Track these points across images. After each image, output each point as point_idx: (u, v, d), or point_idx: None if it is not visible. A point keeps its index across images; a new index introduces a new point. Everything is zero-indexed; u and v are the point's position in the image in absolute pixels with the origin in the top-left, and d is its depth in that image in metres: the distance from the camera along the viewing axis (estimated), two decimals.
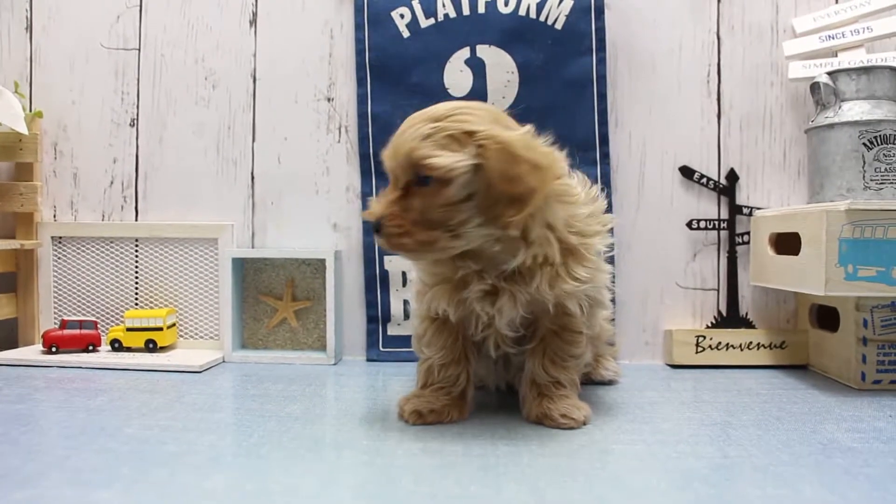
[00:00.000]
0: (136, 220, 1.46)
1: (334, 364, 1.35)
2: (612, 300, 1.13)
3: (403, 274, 1.39)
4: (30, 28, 1.47)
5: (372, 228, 0.91)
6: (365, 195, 1.40)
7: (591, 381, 1.16)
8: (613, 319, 1.22)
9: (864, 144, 1.14)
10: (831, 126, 1.17)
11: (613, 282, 1.10)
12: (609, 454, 0.82)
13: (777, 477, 0.74)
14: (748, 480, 0.73)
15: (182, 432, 0.89)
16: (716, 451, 0.83)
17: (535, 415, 0.95)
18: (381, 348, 1.41)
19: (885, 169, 1.14)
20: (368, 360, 1.40)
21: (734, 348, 1.30)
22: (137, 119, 1.45)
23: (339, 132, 1.42)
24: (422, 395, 0.97)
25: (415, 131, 0.87)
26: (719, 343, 1.30)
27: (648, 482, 0.73)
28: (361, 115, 1.40)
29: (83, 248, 1.46)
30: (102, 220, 1.46)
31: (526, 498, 0.68)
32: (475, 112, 0.88)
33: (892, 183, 1.14)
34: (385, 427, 0.92)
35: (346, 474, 0.75)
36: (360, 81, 1.40)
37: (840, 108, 1.18)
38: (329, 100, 1.42)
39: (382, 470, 0.77)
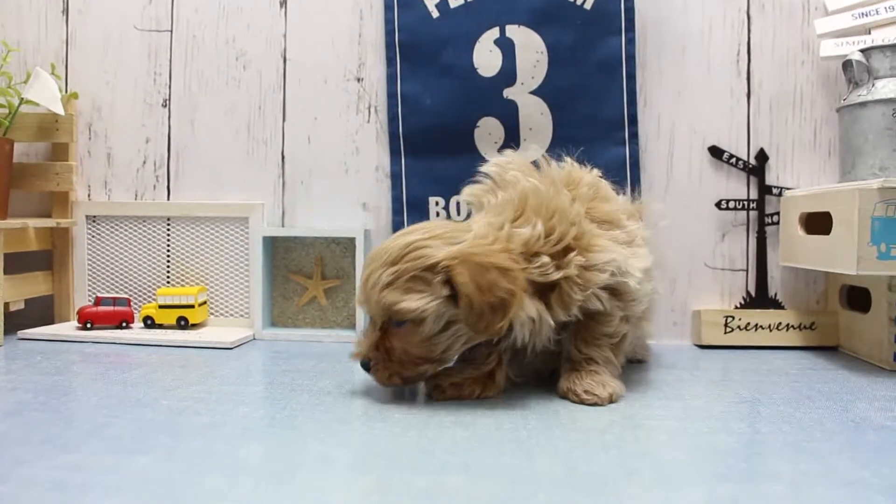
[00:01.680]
0: (168, 199, 1.48)
1: None
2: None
3: None
4: (66, 11, 1.49)
5: (361, 367, 0.96)
6: (394, 175, 1.41)
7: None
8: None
9: None
10: (864, 104, 1.16)
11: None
12: (640, 429, 0.83)
13: (809, 453, 0.74)
14: (780, 455, 0.73)
15: (216, 404, 0.91)
16: (747, 427, 0.83)
17: (563, 389, 0.96)
18: None
19: None
20: None
21: (763, 329, 1.30)
22: (170, 100, 1.47)
23: (369, 112, 1.43)
24: (447, 371, 0.98)
25: (376, 279, 0.90)
26: (748, 324, 1.30)
27: (679, 456, 0.73)
28: (391, 96, 1.41)
29: (116, 227, 1.48)
30: (135, 199, 1.49)
31: (558, 469, 0.69)
32: (429, 241, 0.90)
33: None
34: (416, 401, 0.94)
35: (380, 445, 0.77)
36: (390, 62, 1.41)
37: (873, 85, 1.16)
38: (359, 80, 1.43)
39: (415, 441, 0.78)
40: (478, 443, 0.77)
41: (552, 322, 0.91)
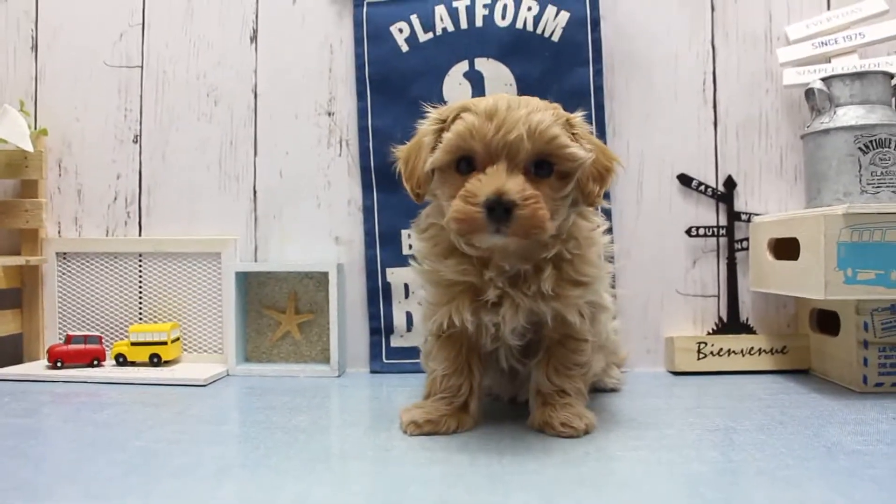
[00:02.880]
0: (140, 235, 1.47)
1: (338, 376, 1.36)
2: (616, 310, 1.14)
3: (406, 286, 1.40)
4: (35, 47, 1.48)
5: (488, 206, 0.81)
6: (366, 208, 1.41)
7: (594, 389, 1.17)
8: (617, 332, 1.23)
9: (860, 149, 1.15)
10: (826, 131, 1.19)
11: (613, 285, 1.11)
12: (615, 461, 0.83)
13: (783, 480, 0.75)
14: (754, 484, 0.74)
15: (190, 444, 0.90)
16: (720, 455, 0.84)
17: (538, 423, 0.95)
18: (385, 360, 1.41)
19: (882, 172, 1.15)
20: (372, 371, 1.41)
21: (735, 354, 1.31)
22: (140, 135, 1.46)
23: (340, 146, 1.43)
24: (422, 406, 0.98)
25: (540, 114, 0.85)
26: (721, 349, 1.31)
27: (655, 487, 0.74)
28: (362, 129, 1.41)
29: (87, 264, 1.47)
30: (106, 235, 1.47)
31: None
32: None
33: (888, 186, 1.15)
34: (391, 437, 0.93)
35: (356, 483, 0.76)
36: (360, 95, 1.41)
37: (835, 113, 1.19)
38: (329, 114, 1.43)
39: (391, 479, 0.77)
40: (454, 479, 0.77)
41: (550, 289, 0.90)
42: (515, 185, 0.82)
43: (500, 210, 0.81)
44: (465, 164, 0.87)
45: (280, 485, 0.75)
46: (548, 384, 0.96)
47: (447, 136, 0.87)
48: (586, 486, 0.73)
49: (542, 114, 0.85)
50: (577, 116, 0.91)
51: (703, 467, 0.79)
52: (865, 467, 0.78)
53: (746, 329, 1.36)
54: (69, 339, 1.37)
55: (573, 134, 0.88)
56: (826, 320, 1.28)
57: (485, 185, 0.83)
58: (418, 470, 0.80)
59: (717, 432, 0.94)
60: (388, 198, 1.40)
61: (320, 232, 1.44)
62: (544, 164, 0.86)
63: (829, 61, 1.29)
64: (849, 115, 1.17)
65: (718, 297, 1.38)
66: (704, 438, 0.91)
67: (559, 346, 0.96)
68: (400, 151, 0.97)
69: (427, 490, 0.73)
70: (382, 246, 1.41)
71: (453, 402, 0.97)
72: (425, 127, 0.93)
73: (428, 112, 0.94)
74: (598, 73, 1.36)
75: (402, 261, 1.39)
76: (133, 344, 1.38)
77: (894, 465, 0.79)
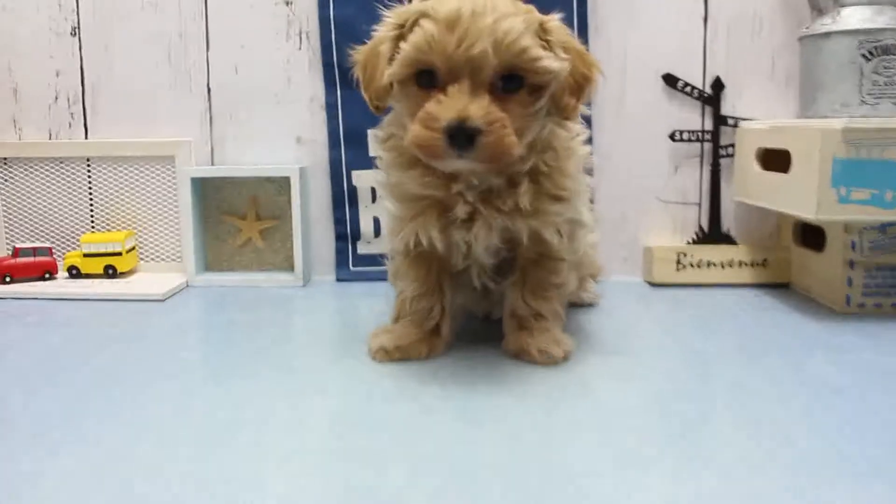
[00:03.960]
0: (86, 137, 1.36)
1: (303, 285, 1.30)
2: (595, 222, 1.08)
3: (372, 189, 1.32)
4: None
5: (448, 132, 0.74)
6: (330, 106, 1.31)
7: (570, 304, 1.12)
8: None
9: (863, 55, 1.07)
10: (828, 35, 1.10)
11: (592, 199, 1.05)
12: (592, 393, 0.79)
13: (766, 425, 0.71)
14: (738, 429, 0.70)
15: (149, 366, 0.87)
16: (701, 390, 0.80)
17: (514, 349, 0.91)
18: (352, 267, 1.35)
19: (885, 82, 1.07)
20: (338, 279, 1.35)
21: (715, 266, 1.27)
22: (79, 27, 1.33)
23: (300, 39, 1.31)
24: (391, 330, 0.93)
25: (509, 22, 0.75)
26: (700, 260, 1.27)
27: (632, 425, 0.70)
28: (323, 20, 1.30)
29: (31, 169, 1.36)
30: (50, 138, 1.36)
31: (506, 456, 0.65)
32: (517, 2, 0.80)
33: (890, 97, 1.08)
34: (358, 365, 0.88)
35: (317, 423, 0.72)
36: None
37: (839, 14, 1.10)
38: (287, 3, 1.31)
39: (356, 418, 0.73)
40: (422, 418, 0.72)
41: (528, 203, 0.83)
42: (479, 109, 0.74)
43: (461, 137, 0.74)
44: (426, 77, 0.78)
45: (235, 426, 0.71)
46: (524, 307, 0.91)
47: (404, 46, 0.77)
48: (561, 424, 0.70)
49: (510, 21, 0.75)
50: (554, 20, 0.81)
51: (684, 406, 0.75)
52: (851, 408, 0.75)
53: (727, 239, 1.31)
54: (17, 252, 1.29)
55: (547, 41, 0.79)
56: (810, 233, 1.23)
57: (445, 107, 0.74)
58: (386, 406, 0.76)
59: (697, 360, 0.90)
60: (353, 95, 1.29)
61: (281, 132, 1.34)
62: (513, 78, 0.77)
63: None
64: (854, 17, 1.08)
65: (700, 205, 1.32)
66: (684, 368, 0.88)
67: (535, 266, 0.91)
68: (358, 54, 0.86)
69: (395, 434, 0.69)
70: (347, 146, 1.32)
71: (424, 325, 0.92)
72: (382, 33, 0.82)
73: (385, 14, 0.83)
74: None
75: (369, 163, 1.30)
76: (86, 255, 1.30)
77: (880, 404, 0.76)
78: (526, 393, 0.79)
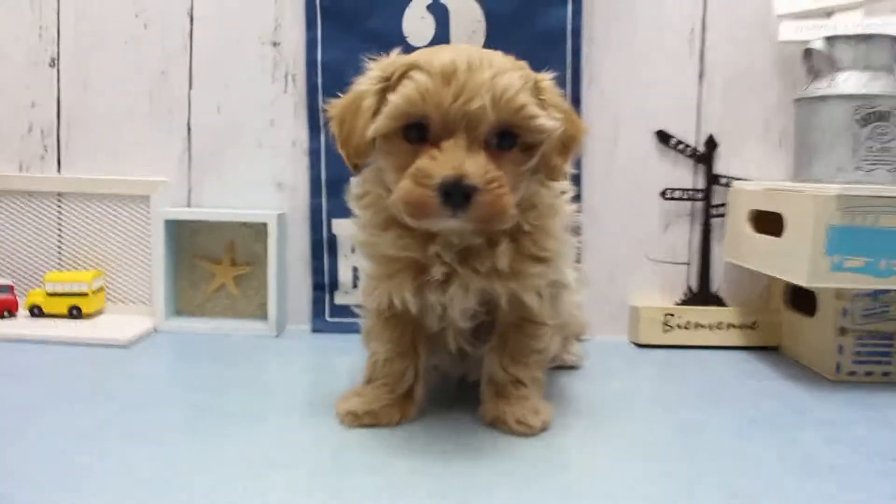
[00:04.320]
0: (59, 172, 1.31)
1: (276, 336, 1.25)
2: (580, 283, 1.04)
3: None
4: None
5: (444, 190, 0.69)
6: (313, 152, 1.28)
7: (553, 367, 1.08)
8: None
9: (858, 121, 1.04)
10: (824, 98, 1.07)
11: (578, 260, 1.01)
12: (570, 471, 0.75)
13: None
14: None
15: (98, 436, 0.79)
16: (688, 468, 0.75)
17: (490, 417, 0.86)
18: (328, 318, 1.30)
19: (879, 148, 1.05)
20: (314, 330, 1.30)
21: (703, 328, 1.23)
22: (58, 59, 1.29)
23: (286, 81, 1.28)
24: (361, 394, 0.87)
25: (507, 78, 0.72)
26: (688, 322, 1.23)
27: None
28: (310, 63, 1.26)
29: None
30: (20, 171, 1.31)
31: None
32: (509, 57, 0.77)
33: (884, 164, 1.05)
34: (325, 431, 0.83)
35: (276, 497, 0.66)
36: (310, 24, 1.26)
37: (834, 78, 1.07)
38: (274, 44, 1.27)
39: (321, 495, 0.67)
40: (392, 495, 0.67)
41: (506, 265, 0.79)
42: (477, 167, 0.70)
43: (458, 195, 0.69)
44: (414, 131, 0.74)
45: (191, 497, 0.65)
46: (502, 374, 0.86)
47: (393, 99, 0.73)
48: None
49: (508, 77, 0.72)
50: (547, 79, 0.78)
51: (664, 483, 0.71)
52: (844, 490, 0.70)
53: (717, 301, 1.28)
54: None
55: (542, 100, 0.76)
56: (801, 296, 1.19)
57: (440, 164, 0.70)
58: (355, 481, 0.70)
59: (682, 433, 0.86)
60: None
61: (261, 176, 1.30)
62: (507, 136, 0.74)
63: (829, 16, 1.16)
64: (850, 83, 1.06)
65: (689, 265, 1.29)
66: (669, 442, 0.83)
67: (515, 331, 0.86)
68: (333, 109, 0.81)
69: None
70: (329, 194, 1.29)
71: (396, 389, 0.87)
72: (365, 86, 0.77)
73: (367, 66, 0.79)
74: (577, 13, 1.23)
75: (349, 212, 1.26)
76: (50, 294, 1.25)
77: (872, 487, 0.71)
78: (501, 467, 0.74)
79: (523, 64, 0.77)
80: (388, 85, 0.75)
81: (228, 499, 0.66)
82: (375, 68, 0.77)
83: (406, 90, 0.72)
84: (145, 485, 0.68)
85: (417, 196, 0.71)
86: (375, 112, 0.75)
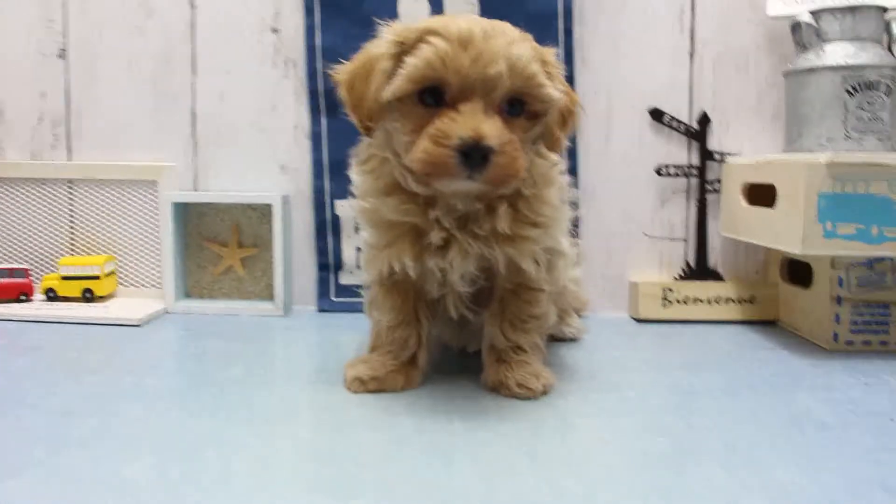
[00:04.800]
0: (69, 159, 1.34)
1: (283, 315, 1.28)
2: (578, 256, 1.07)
3: (356, 219, 1.31)
4: None
5: (463, 150, 0.72)
6: (315, 135, 1.31)
7: (552, 339, 1.10)
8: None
9: (847, 91, 1.07)
10: (812, 70, 1.10)
11: (576, 227, 1.04)
12: (571, 431, 0.77)
13: (749, 458, 0.69)
14: (717, 462, 0.68)
15: (110, 402, 0.82)
16: (683, 424, 0.78)
17: (492, 382, 0.88)
18: (333, 298, 1.33)
19: (868, 118, 1.07)
20: (320, 310, 1.33)
21: (702, 302, 1.25)
22: (67, 50, 1.33)
23: (287, 66, 1.31)
24: (367, 361, 0.90)
25: (520, 47, 0.75)
26: (686, 297, 1.25)
27: (611, 466, 0.67)
28: (309, 48, 1.29)
29: (12, 190, 1.35)
30: (32, 159, 1.35)
31: (481, 488, 0.62)
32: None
33: (873, 132, 1.07)
34: (332, 396, 0.86)
35: (283, 454, 0.69)
36: (308, 11, 1.29)
37: (822, 50, 1.10)
38: (274, 31, 1.30)
39: (325, 449, 0.71)
40: (395, 450, 0.70)
41: (507, 227, 0.82)
42: (494, 129, 0.73)
43: (476, 156, 0.72)
44: (430, 95, 0.76)
45: (199, 456, 0.68)
46: (502, 339, 0.89)
47: (412, 62, 0.75)
48: (537, 465, 0.67)
49: (521, 46, 0.75)
50: (551, 52, 0.81)
51: (663, 440, 0.73)
52: (836, 445, 0.73)
53: (714, 275, 1.30)
54: None
55: (548, 72, 0.79)
56: (797, 270, 1.22)
57: (460, 125, 0.73)
58: (358, 437, 0.73)
59: (680, 395, 0.88)
60: (337, 124, 1.29)
61: (264, 160, 1.33)
62: (517, 103, 0.77)
63: None
64: (837, 53, 1.08)
65: (686, 240, 1.31)
66: (667, 403, 0.85)
67: (513, 297, 0.89)
68: (341, 74, 0.83)
69: (364, 466, 0.66)
70: (331, 176, 1.31)
71: (400, 356, 0.90)
72: (380, 49, 0.79)
73: (381, 31, 0.81)
74: None
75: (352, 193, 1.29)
76: (64, 278, 1.28)
77: (865, 442, 0.74)
78: (503, 427, 0.77)
79: (529, 36, 0.80)
80: (405, 49, 0.77)
81: (236, 449, 0.70)
82: (390, 33, 0.79)
83: (425, 53, 0.74)
84: (159, 442, 0.71)
85: (437, 156, 0.73)
86: (390, 75, 0.77)
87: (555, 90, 0.78)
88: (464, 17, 0.78)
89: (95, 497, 0.60)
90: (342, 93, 0.83)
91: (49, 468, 0.65)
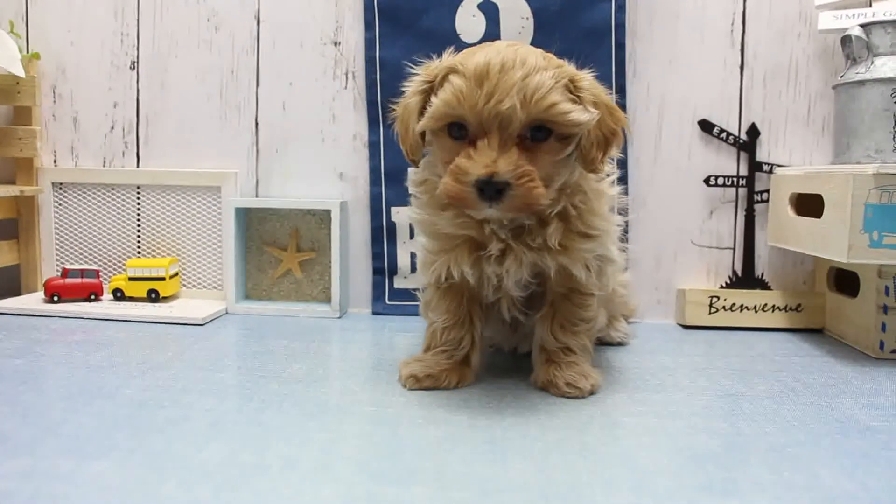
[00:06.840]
0: (138, 166, 1.42)
1: (339, 317, 1.33)
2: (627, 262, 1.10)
3: (411, 226, 1.35)
4: None
5: (478, 187, 0.77)
6: (372, 144, 1.36)
7: (600, 343, 1.14)
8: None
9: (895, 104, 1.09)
10: (862, 83, 1.12)
11: (626, 232, 1.06)
12: (619, 428, 0.80)
13: (792, 459, 0.71)
14: (763, 462, 0.71)
15: (181, 394, 0.88)
16: (729, 426, 0.80)
17: (542, 381, 0.92)
18: (388, 301, 1.38)
19: None
20: (374, 313, 1.38)
21: (748, 310, 1.27)
22: (138, 62, 1.40)
23: (346, 78, 1.36)
24: (422, 359, 0.95)
25: (538, 77, 0.78)
26: (733, 304, 1.27)
27: (659, 462, 0.71)
28: (369, 61, 1.35)
29: (84, 195, 1.42)
30: (103, 165, 1.43)
31: (532, 478, 0.66)
32: (548, 54, 0.83)
33: None
34: (389, 392, 0.90)
35: (348, 446, 0.73)
36: (368, 25, 1.34)
37: (872, 63, 1.11)
38: (336, 44, 1.36)
39: (386, 441, 0.75)
40: (451, 444, 0.74)
41: (556, 243, 0.86)
42: (507, 164, 0.77)
43: (491, 191, 0.77)
44: (456, 129, 0.82)
45: (269, 444, 0.73)
46: (552, 341, 0.93)
47: (434, 101, 0.81)
48: (588, 459, 0.70)
49: (539, 76, 0.78)
50: (585, 76, 0.84)
51: (710, 440, 0.76)
52: (880, 448, 0.75)
53: (761, 284, 1.32)
54: (66, 273, 1.34)
55: (578, 96, 0.82)
56: (844, 279, 1.23)
57: (475, 162, 0.78)
58: (415, 431, 0.77)
59: (726, 398, 0.90)
60: (394, 134, 1.34)
61: (324, 167, 1.38)
62: (541, 129, 0.81)
63: (870, 4, 1.20)
64: (887, 66, 1.09)
65: (734, 249, 1.33)
66: (713, 405, 0.87)
67: (564, 301, 0.93)
68: (397, 109, 0.90)
69: (422, 457, 0.70)
70: (388, 184, 1.36)
71: (454, 355, 0.94)
72: (412, 88, 0.86)
73: (415, 70, 0.87)
74: (621, 8, 1.28)
75: (408, 199, 1.34)
76: (131, 279, 1.35)
77: None
78: (553, 423, 0.80)
79: (560, 62, 0.83)
80: (432, 86, 0.84)
81: (298, 438, 0.74)
82: (421, 72, 0.86)
83: (445, 94, 0.80)
84: (230, 431, 0.77)
85: (458, 191, 0.79)
86: (421, 112, 0.84)
87: (583, 114, 0.80)
88: (490, 48, 0.81)
89: (173, 477, 0.65)
90: (397, 126, 0.90)
91: (130, 451, 0.70)
